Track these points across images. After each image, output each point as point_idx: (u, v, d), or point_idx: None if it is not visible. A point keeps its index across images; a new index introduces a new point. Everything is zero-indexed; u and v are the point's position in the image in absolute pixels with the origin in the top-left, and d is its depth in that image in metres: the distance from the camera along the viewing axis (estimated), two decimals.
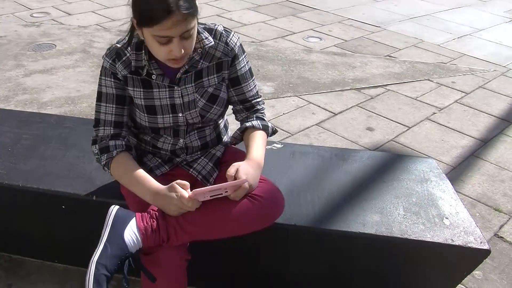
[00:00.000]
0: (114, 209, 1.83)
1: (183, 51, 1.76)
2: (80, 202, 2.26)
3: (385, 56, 5.87)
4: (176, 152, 2.11)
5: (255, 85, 2.15)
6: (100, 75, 1.99)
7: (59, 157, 2.49)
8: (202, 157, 2.14)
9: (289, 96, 4.63)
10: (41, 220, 2.44)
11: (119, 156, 1.97)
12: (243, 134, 2.12)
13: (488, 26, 7.36)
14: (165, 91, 1.95)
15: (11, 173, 2.36)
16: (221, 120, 2.21)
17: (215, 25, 2.01)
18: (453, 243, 2.08)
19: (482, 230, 3.01)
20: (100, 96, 1.99)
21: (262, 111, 2.16)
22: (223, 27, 2.03)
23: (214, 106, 2.03)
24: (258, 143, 2.03)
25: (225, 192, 1.79)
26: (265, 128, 2.10)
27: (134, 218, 1.80)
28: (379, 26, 6.95)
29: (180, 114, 1.98)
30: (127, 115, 2.04)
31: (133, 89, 1.96)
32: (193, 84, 1.97)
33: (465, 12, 8.09)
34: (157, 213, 1.81)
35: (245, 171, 1.83)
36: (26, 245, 2.59)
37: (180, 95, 1.96)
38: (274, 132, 2.19)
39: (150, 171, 2.05)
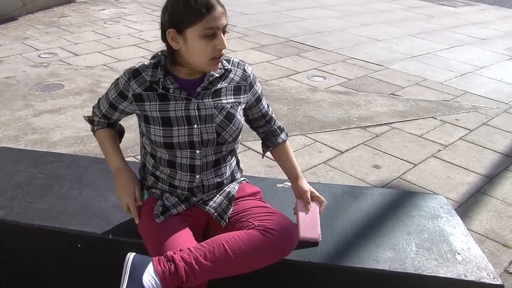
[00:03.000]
0: (130, 256, 1.87)
1: (226, 44, 1.98)
2: (96, 241, 2.28)
3: (389, 94, 5.94)
4: (193, 190, 2.14)
5: (267, 103, 2.39)
6: (115, 80, 2.18)
7: (74, 196, 2.53)
8: (218, 196, 2.18)
9: (295, 135, 4.68)
10: (56, 258, 2.46)
11: (98, 132, 2.33)
12: (274, 148, 2.41)
13: (489, 64, 7.45)
14: (182, 103, 2.05)
15: (27, 212, 2.39)
16: (233, 158, 2.28)
17: (231, 57, 2.21)
18: (466, 279, 2.10)
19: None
20: (106, 93, 2.25)
21: (276, 121, 2.44)
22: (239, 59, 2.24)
23: (231, 125, 2.10)
24: (294, 159, 2.41)
25: None
26: (285, 139, 2.43)
27: (151, 263, 1.84)
28: (381, 65, 7.05)
29: (196, 126, 2.05)
30: (116, 119, 2.30)
31: (149, 104, 2.06)
32: (210, 100, 2.08)
33: (466, 50, 8.20)
34: (174, 256, 1.84)
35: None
36: (39, 284, 2.59)
37: (195, 107, 2.05)
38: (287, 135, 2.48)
39: (166, 210, 2.11)
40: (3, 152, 3.01)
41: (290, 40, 8.10)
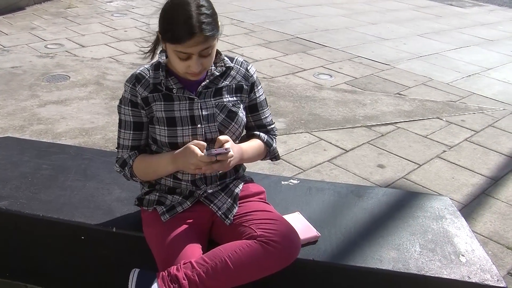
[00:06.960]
0: (135, 273, 1.91)
1: (201, 67, 1.94)
2: (100, 233, 2.29)
3: (395, 94, 5.93)
4: (196, 182, 2.14)
5: (270, 114, 2.31)
6: (120, 103, 2.13)
7: (79, 188, 2.53)
8: (223, 194, 2.18)
9: (300, 132, 4.68)
10: (60, 250, 2.47)
11: (135, 162, 2.13)
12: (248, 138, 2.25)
13: (496, 65, 7.43)
14: (186, 103, 2.06)
15: (32, 203, 2.40)
16: None
17: (236, 56, 2.19)
18: (470, 280, 2.10)
19: None
20: (120, 123, 2.15)
21: (274, 136, 2.32)
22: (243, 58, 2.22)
23: (233, 124, 2.11)
24: (253, 146, 2.20)
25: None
26: (268, 144, 2.25)
27: (156, 283, 1.85)
28: (388, 64, 7.03)
29: (199, 125, 2.05)
30: (145, 138, 2.16)
31: (154, 104, 2.06)
32: (212, 99, 2.09)
33: (473, 51, 8.18)
34: (177, 274, 1.85)
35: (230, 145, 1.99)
36: (43, 274, 2.60)
37: (199, 107, 2.06)
38: (275, 156, 2.34)
39: (172, 208, 2.12)
40: (9, 142, 3.01)
41: (297, 37, 8.08)
